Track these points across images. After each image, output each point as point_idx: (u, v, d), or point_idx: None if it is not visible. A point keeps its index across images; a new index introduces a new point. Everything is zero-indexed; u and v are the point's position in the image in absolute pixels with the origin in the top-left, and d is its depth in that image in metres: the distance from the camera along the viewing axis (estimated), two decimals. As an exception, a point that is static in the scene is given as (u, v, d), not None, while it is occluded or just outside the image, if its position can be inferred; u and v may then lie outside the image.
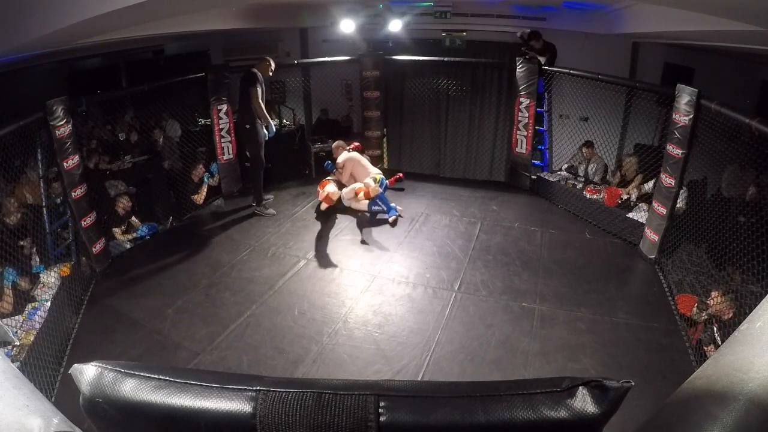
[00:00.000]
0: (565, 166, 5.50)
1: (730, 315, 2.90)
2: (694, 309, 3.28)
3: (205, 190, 5.25)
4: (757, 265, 2.90)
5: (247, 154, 5.21)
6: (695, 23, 3.37)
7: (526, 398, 0.53)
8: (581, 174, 5.23)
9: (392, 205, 4.98)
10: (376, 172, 5.03)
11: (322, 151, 6.21)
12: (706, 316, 3.12)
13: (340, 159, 5.18)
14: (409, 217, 4.95)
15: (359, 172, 5.07)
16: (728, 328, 2.87)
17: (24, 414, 0.62)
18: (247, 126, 4.84)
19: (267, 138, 4.98)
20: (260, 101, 4.78)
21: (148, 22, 4.12)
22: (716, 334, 2.90)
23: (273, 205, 5.30)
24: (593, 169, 5.13)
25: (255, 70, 4.82)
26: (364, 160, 5.21)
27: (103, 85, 6.00)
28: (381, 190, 4.90)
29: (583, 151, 5.17)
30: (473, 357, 3.06)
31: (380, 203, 4.94)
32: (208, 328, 3.35)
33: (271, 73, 5.03)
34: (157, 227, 4.77)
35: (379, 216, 4.95)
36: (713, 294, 3.08)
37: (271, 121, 4.94)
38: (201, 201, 5.22)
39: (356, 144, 5.45)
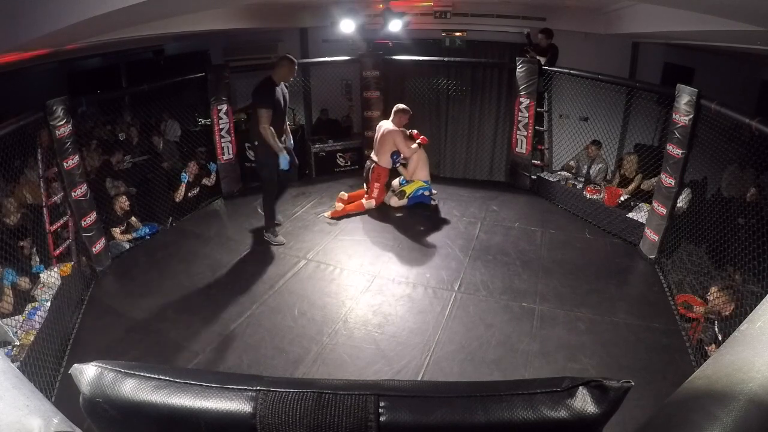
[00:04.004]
0: (571, 162, 5.45)
1: (731, 309, 2.90)
2: (684, 303, 3.31)
3: (183, 188, 5.05)
4: (758, 265, 2.90)
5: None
6: (695, 23, 3.38)
7: (526, 398, 0.53)
8: (583, 174, 5.22)
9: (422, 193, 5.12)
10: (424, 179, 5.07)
11: (322, 151, 6.21)
12: (702, 311, 3.12)
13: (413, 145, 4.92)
14: (410, 218, 4.95)
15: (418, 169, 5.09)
16: (729, 320, 2.87)
17: (24, 414, 0.62)
18: (256, 143, 4.16)
19: (279, 168, 4.09)
20: (266, 125, 3.94)
21: (148, 22, 4.12)
22: (717, 331, 2.90)
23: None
24: (597, 169, 5.12)
25: (270, 84, 4.01)
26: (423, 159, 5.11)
27: (103, 85, 6.00)
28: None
29: (590, 149, 5.15)
30: (473, 357, 3.06)
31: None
32: (208, 328, 3.35)
33: (293, 77, 4.28)
34: (157, 227, 4.77)
35: (379, 215, 4.96)
36: (711, 290, 3.09)
37: (281, 148, 4.04)
38: (179, 198, 5.01)
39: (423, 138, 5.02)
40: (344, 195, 5.14)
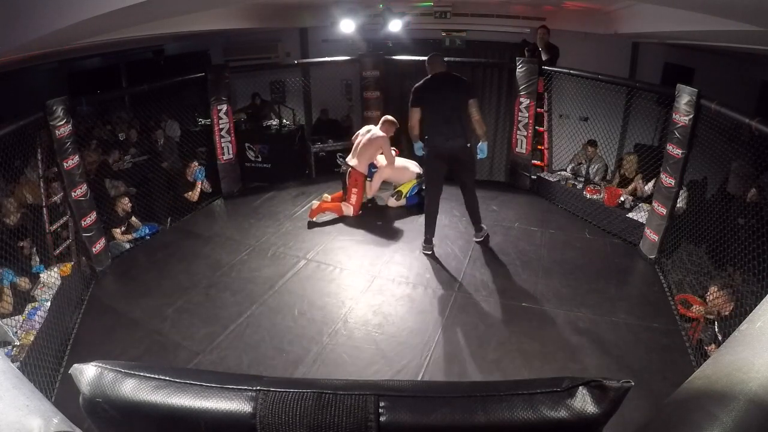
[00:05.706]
0: (570, 166, 5.45)
1: (730, 308, 2.90)
2: (682, 300, 3.32)
3: (199, 187, 5.10)
4: (758, 265, 2.90)
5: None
6: (695, 23, 3.38)
7: (526, 398, 0.53)
8: (582, 174, 5.23)
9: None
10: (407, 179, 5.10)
11: (322, 151, 6.22)
12: (702, 311, 3.12)
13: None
14: (409, 218, 4.95)
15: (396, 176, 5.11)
16: (729, 320, 2.87)
17: (24, 414, 0.62)
18: (468, 145, 3.95)
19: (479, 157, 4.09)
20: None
21: (148, 22, 4.12)
22: (717, 331, 2.90)
23: (273, 205, 5.27)
24: (594, 169, 5.13)
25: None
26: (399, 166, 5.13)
27: (103, 85, 6.01)
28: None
29: (588, 149, 5.15)
30: (473, 357, 3.06)
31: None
32: (208, 328, 3.35)
33: None
34: (157, 227, 4.77)
35: (379, 215, 4.96)
36: (711, 290, 3.08)
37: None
38: (195, 198, 5.06)
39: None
40: (327, 198, 5.09)
